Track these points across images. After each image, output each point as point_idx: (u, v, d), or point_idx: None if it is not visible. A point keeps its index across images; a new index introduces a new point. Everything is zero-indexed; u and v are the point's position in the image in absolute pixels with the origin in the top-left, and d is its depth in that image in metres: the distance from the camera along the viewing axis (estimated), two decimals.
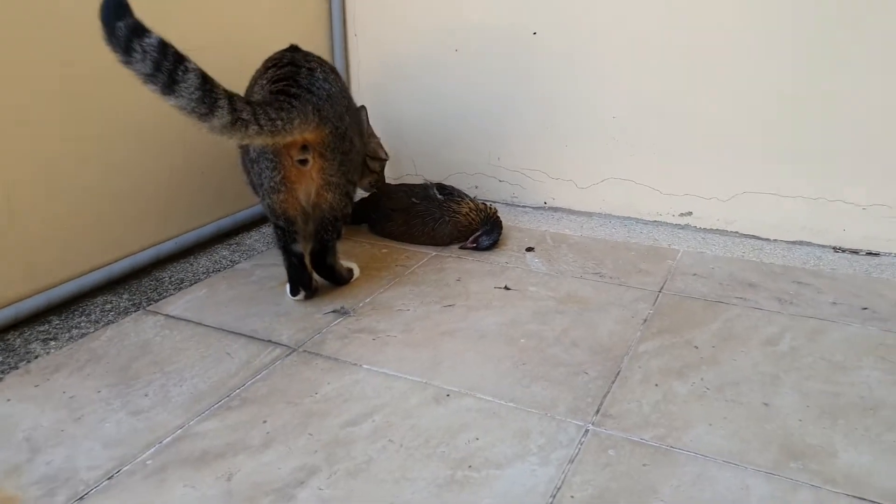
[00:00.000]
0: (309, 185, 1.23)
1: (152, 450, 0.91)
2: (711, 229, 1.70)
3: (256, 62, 1.41)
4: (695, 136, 1.65)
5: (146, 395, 1.03)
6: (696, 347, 1.16)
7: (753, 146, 1.59)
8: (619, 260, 1.54)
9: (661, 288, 1.39)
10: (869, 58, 1.44)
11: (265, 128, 1.06)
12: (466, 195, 1.67)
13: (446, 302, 1.35)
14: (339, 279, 1.39)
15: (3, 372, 1.10)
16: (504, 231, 1.70)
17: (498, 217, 1.63)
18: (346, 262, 1.42)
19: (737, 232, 1.67)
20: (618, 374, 1.08)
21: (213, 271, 1.49)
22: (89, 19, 0.95)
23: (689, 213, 1.72)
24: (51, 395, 1.03)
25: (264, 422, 0.97)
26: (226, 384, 1.06)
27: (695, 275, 1.45)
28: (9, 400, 1.02)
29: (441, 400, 1.02)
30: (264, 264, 1.54)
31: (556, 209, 1.87)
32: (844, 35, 1.45)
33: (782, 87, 1.53)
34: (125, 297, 1.37)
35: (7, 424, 0.96)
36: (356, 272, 1.44)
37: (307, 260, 1.32)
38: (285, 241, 1.28)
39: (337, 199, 1.27)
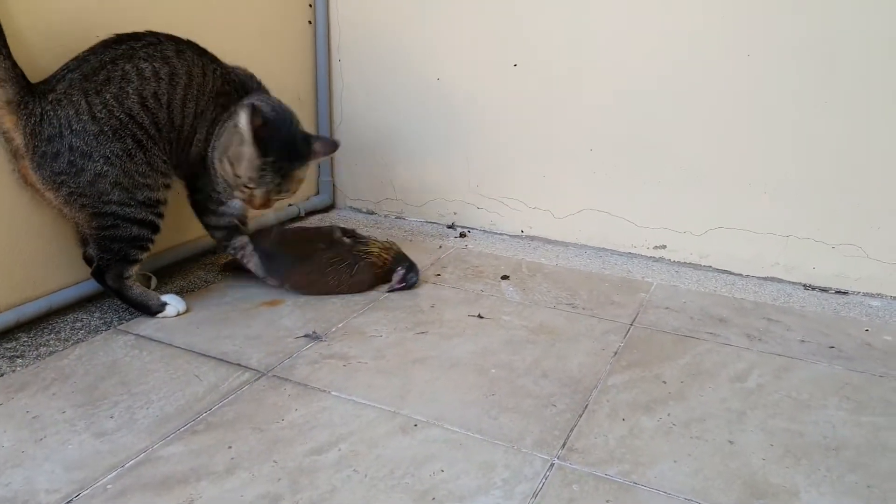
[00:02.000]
0: None
1: (114, 473, 0.90)
2: (685, 263, 1.72)
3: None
4: (670, 170, 1.68)
5: (111, 417, 1.02)
6: (665, 382, 1.17)
7: (727, 182, 1.63)
8: (592, 291, 1.56)
9: (633, 321, 1.41)
10: (844, 97, 1.48)
11: None
12: (367, 236, 1.55)
13: (419, 329, 1.35)
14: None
15: None
16: (481, 259, 1.71)
17: (402, 251, 1.55)
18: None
19: (710, 266, 1.70)
20: (586, 407, 1.09)
21: (187, 291, 1.48)
22: None
23: (664, 247, 1.74)
24: (13, 414, 1.02)
25: (229, 447, 0.96)
26: (192, 407, 1.05)
27: (667, 308, 1.47)
28: None
29: (408, 430, 1.02)
30: (238, 285, 1.53)
31: (532, 238, 1.89)
32: (819, 74, 1.49)
33: (757, 124, 1.57)
34: (97, 315, 1.36)
35: None
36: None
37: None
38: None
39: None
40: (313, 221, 2.00)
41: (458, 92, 1.87)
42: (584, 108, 1.74)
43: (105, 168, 1.20)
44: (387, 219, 2.07)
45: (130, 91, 1.21)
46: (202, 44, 1.34)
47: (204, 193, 1.38)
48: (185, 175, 1.37)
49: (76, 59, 1.21)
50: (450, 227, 1.99)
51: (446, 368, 1.20)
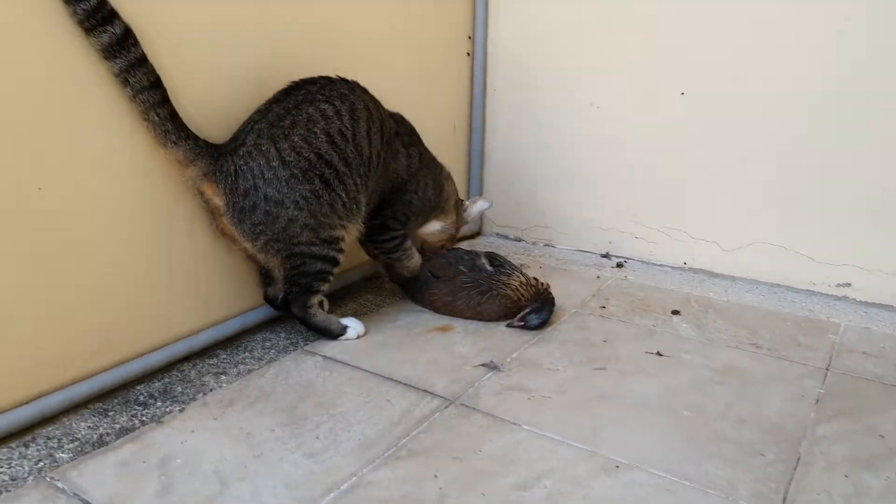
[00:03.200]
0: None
1: (332, 495, 0.93)
2: (875, 303, 1.59)
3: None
4: (857, 201, 1.57)
5: (317, 438, 1.06)
6: (883, 437, 1.08)
7: None
8: (774, 330, 1.47)
9: (828, 365, 1.31)
10: None
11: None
12: (517, 268, 1.53)
13: (596, 364, 1.32)
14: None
15: (184, 402, 1.16)
16: (644, 291, 1.65)
17: (550, 294, 1.49)
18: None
19: None
20: (798, 459, 1.02)
21: (360, 314, 1.53)
22: None
23: (848, 285, 1.62)
24: (229, 429, 1.08)
25: (435, 476, 0.97)
26: (391, 432, 1.08)
27: (864, 353, 1.36)
28: (193, 431, 1.07)
29: (610, 471, 0.99)
30: (407, 309, 1.57)
31: (696, 270, 1.82)
32: None
33: None
34: (282, 335, 1.43)
35: (195, 456, 1.01)
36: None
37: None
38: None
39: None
40: (462, 248, 2.02)
41: (617, 119, 1.84)
42: (757, 137, 1.66)
43: (295, 213, 1.24)
44: (535, 246, 2.05)
45: (318, 131, 1.25)
46: (363, 76, 1.38)
47: (393, 214, 1.47)
48: (374, 201, 1.42)
49: (259, 111, 1.26)
50: (604, 256, 1.95)
51: (633, 408, 1.16)
